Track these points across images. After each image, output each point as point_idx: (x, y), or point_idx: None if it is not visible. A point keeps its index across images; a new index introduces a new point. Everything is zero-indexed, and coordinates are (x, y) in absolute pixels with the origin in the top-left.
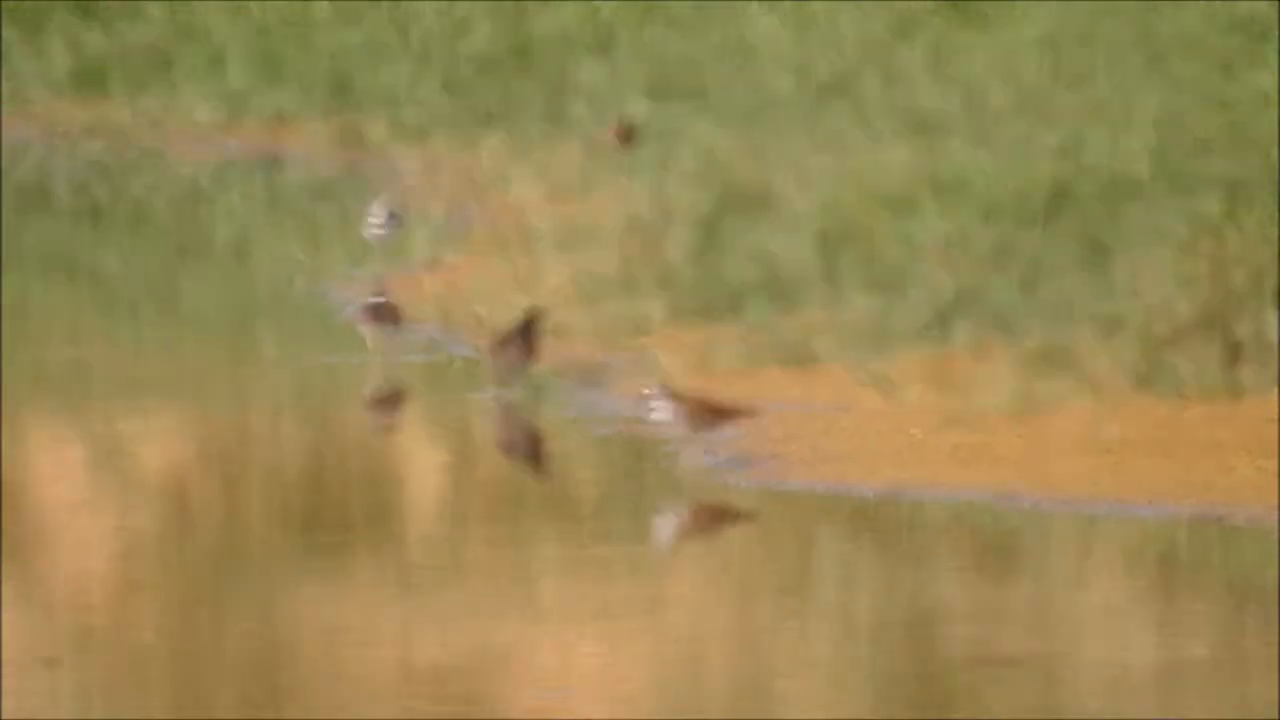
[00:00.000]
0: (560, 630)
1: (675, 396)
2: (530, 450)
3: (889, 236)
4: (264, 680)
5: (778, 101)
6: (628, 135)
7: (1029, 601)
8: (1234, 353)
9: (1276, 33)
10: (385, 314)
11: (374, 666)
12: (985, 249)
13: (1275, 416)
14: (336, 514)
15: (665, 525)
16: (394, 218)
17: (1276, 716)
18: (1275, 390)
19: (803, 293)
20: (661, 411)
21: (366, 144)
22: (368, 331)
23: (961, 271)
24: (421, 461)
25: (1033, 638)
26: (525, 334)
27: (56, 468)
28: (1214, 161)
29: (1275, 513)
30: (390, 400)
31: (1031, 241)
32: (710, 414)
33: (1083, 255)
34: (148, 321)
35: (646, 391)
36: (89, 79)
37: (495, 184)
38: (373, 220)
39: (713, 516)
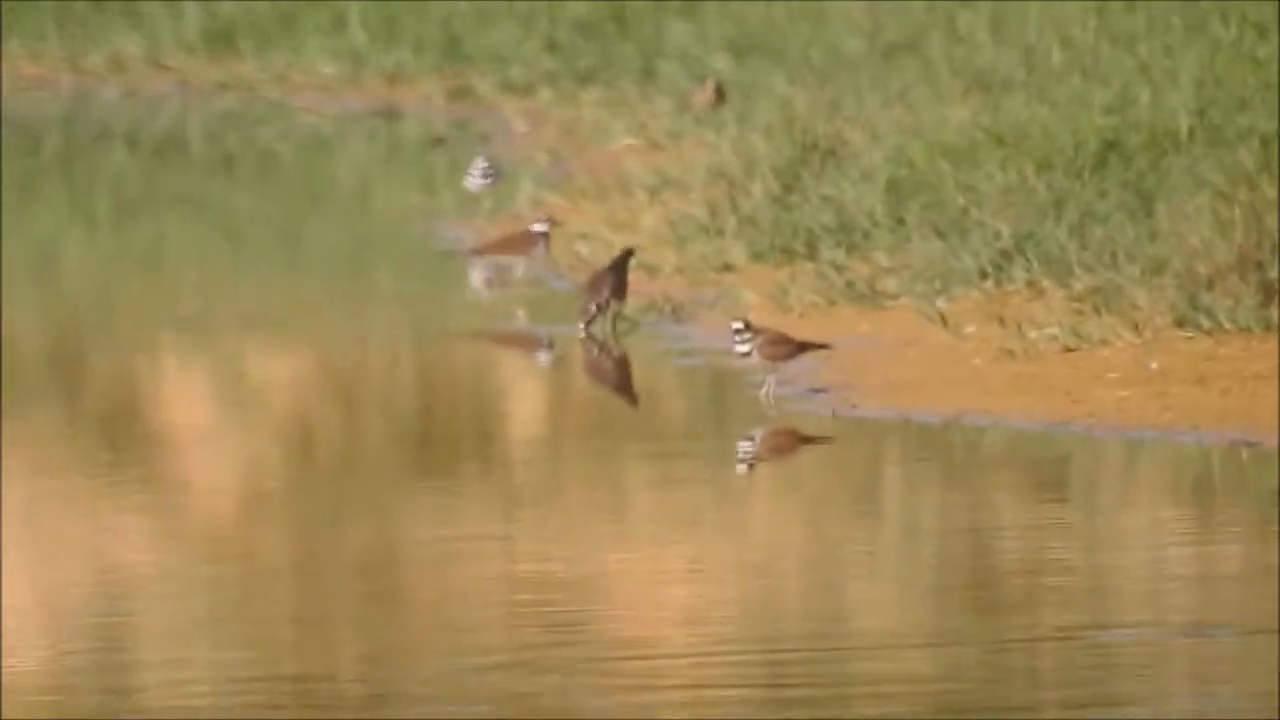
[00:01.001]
0: (649, 546)
1: (756, 330)
2: (621, 379)
3: (952, 186)
4: (378, 592)
5: (850, 60)
6: (719, 96)
7: (1077, 519)
8: (1267, 292)
9: None
10: (510, 246)
11: (479, 580)
12: (1040, 197)
13: None
14: (445, 438)
15: (747, 449)
16: (492, 171)
17: None
18: None
19: (872, 237)
20: (743, 344)
21: (476, 98)
22: (479, 266)
23: (1018, 218)
24: (523, 389)
25: (1080, 551)
26: (617, 271)
27: (186, 395)
28: (1250, 117)
29: None
30: (506, 334)
31: (1082, 190)
32: (787, 347)
33: (1129, 203)
34: (272, 260)
35: (733, 325)
36: (220, 38)
37: (594, 135)
38: (474, 173)
39: (789, 441)
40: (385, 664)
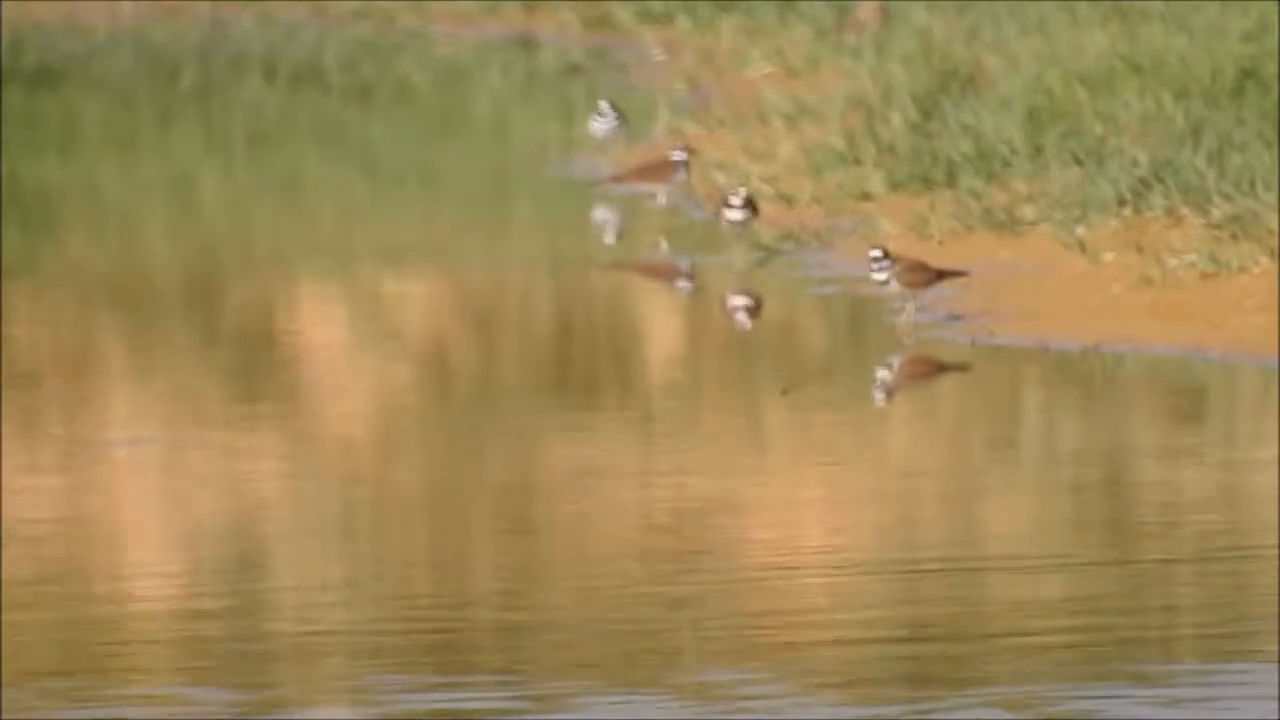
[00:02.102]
0: (787, 474)
1: (893, 258)
2: (755, 307)
3: (1090, 114)
4: (515, 520)
5: None
6: (882, 15)
7: (1215, 446)
8: None
9: None
10: (649, 174)
11: (616, 508)
12: (1178, 125)
13: None
14: (582, 367)
15: (885, 376)
16: (619, 115)
17: None
18: None
19: (1011, 165)
20: (881, 272)
21: (614, 27)
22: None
23: (1156, 146)
24: (660, 319)
25: (1217, 479)
26: (750, 201)
27: (324, 322)
28: None
29: None
30: (646, 265)
31: (1220, 118)
32: (925, 274)
33: (1266, 131)
34: (410, 190)
35: (871, 254)
36: None
37: (731, 63)
38: (600, 117)
39: (928, 369)
40: (521, 589)
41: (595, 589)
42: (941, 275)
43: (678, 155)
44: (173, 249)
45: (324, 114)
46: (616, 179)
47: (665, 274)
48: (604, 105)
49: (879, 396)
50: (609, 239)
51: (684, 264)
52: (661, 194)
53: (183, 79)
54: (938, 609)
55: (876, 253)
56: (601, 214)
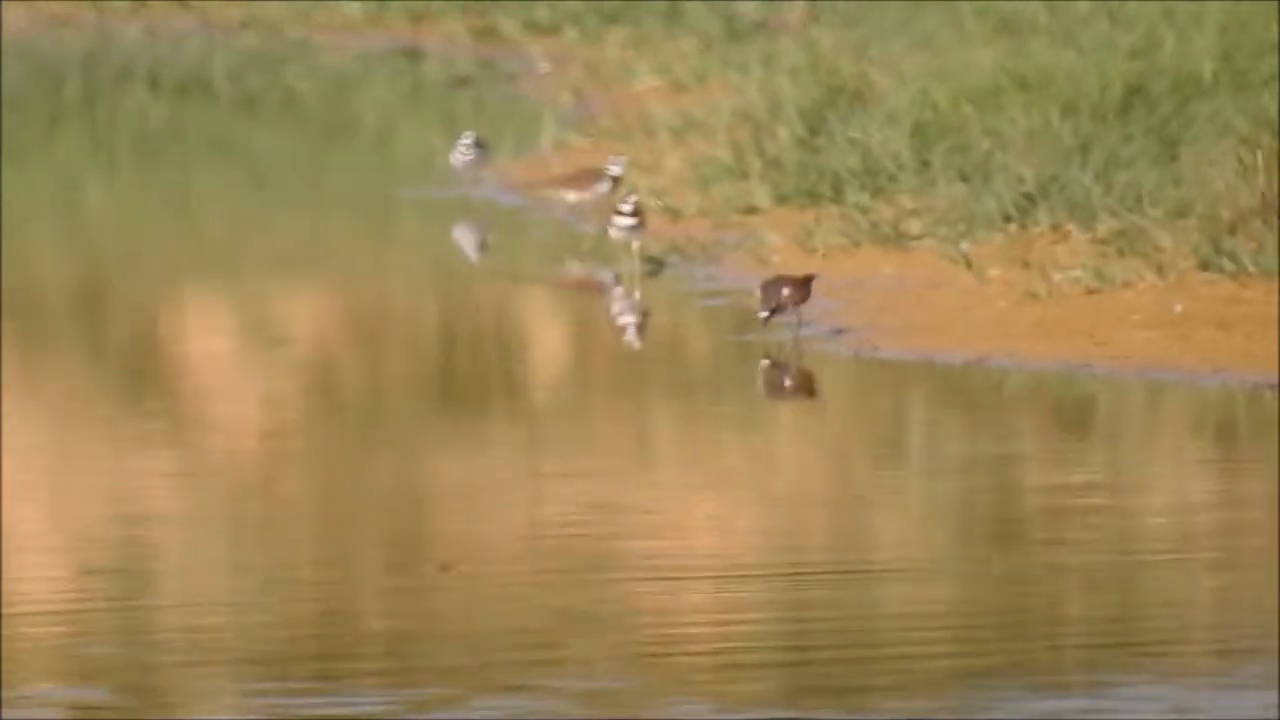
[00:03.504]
0: (674, 484)
1: (774, 285)
2: (641, 320)
3: (977, 129)
4: (400, 535)
5: (876, 2)
6: (813, 15)
7: (1100, 459)
8: None
9: None
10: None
11: (504, 522)
12: (1064, 141)
13: None
14: (470, 379)
15: (769, 387)
16: (480, 147)
17: None
18: None
19: (897, 180)
20: (763, 309)
21: (501, 38)
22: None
23: (1042, 162)
24: (546, 331)
25: (1101, 490)
26: (638, 210)
27: (210, 333)
28: (1273, 61)
29: None
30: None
31: (1106, 135)
32: (794, 290)
33: (1152, 148)
34: (296, 200)
35: (757, 293)
36: None
37: (618, 76)
38: (462, 145)
39: (812, 381)
40: (402, 601)
41: (479, 596)
42: (805, 281)
43: (613, 168)
44: (57, 258)
45: (210, 124)
46: (532, 185)
47: (592, 289)
48: (467, 138)
49: (763, 409)
50: (471, 253)
51: (609, 279)
52: (575, 199)
53: (68, 89)
54: (820, 615)
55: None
56: (469, 227)
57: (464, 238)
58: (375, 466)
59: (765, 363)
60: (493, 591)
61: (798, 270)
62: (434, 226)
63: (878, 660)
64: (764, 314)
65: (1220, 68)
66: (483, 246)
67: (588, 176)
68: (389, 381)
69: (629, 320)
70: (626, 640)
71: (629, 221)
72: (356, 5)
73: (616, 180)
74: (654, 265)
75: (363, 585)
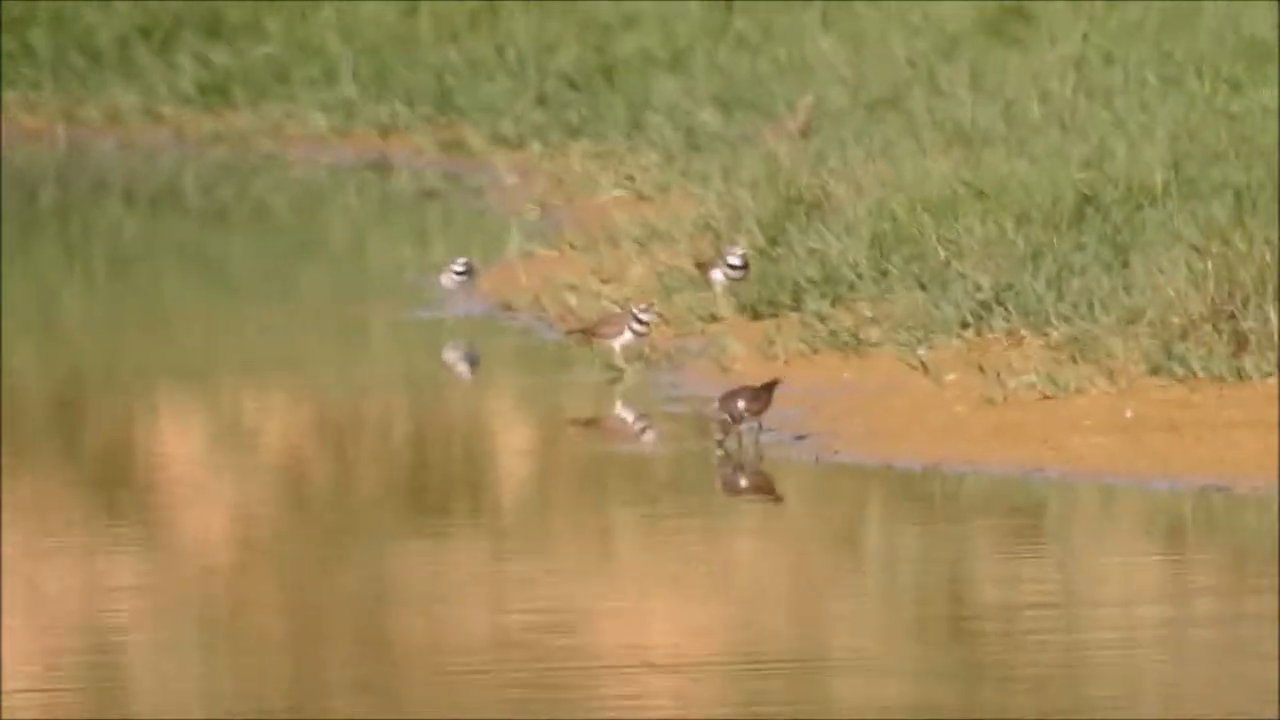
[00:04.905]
0: (638, 588)
1: (732, 401)
2: (609, 427)
3: (933, 238)
4: (370, 636)
5: (834, 114)
6: (807, 128)
7: (1054, 562)
8: (1239, 342)
9: (1277, 54)
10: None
11: (469, 624)
12: (1019, 250)
13: (1275, 398)
14: (437, 485)
15: (731, 492)
16: (470, 269)
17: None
18: (1276, 375)
19: (856, 288)
20: (718, 429)
21: (467, 151)
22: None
23: (997, 270)
24: (514, 437)
25: (1057, 592)
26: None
27: (182, 437)
28: (1223, 171)
29: (1276, 484)
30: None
31: (1060, 243)
32: (754, 402)
33: (1105, 255)
34: (268, 309)
35: (718, 404)
36: (214, 91)
37: (582, 187)
38: (455, 269)
39: (773, 486)
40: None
41: (445, 686)
42: (768, 389)
43: (639, 311)
44: (32, 367)
45: (182, 235)
46: (570, 332)
47: (624, 436)
48: (459, 262)
49: (725, 513)
50: (463, 373)
51: (640, 422)
52: (615, 344)
53: (41, 201)
54: (774, 706)
55: (720, 410)
56: (454, 347)
57: (453, 358)
58: (340, 566)
59: (727, 470)
60: (458, 683)
61: (759, 378)
62: (399, 336)
63: None
64: (719, 436)
65: (1171, 177)
66: (473, 364)
67: (620, 320)
68: (355, 485)
69: (592, 428)
70: None
71: (641, 330)
72: (324, 118)
73: (647, 325)
74: (616, 373)
75: (331, 680)
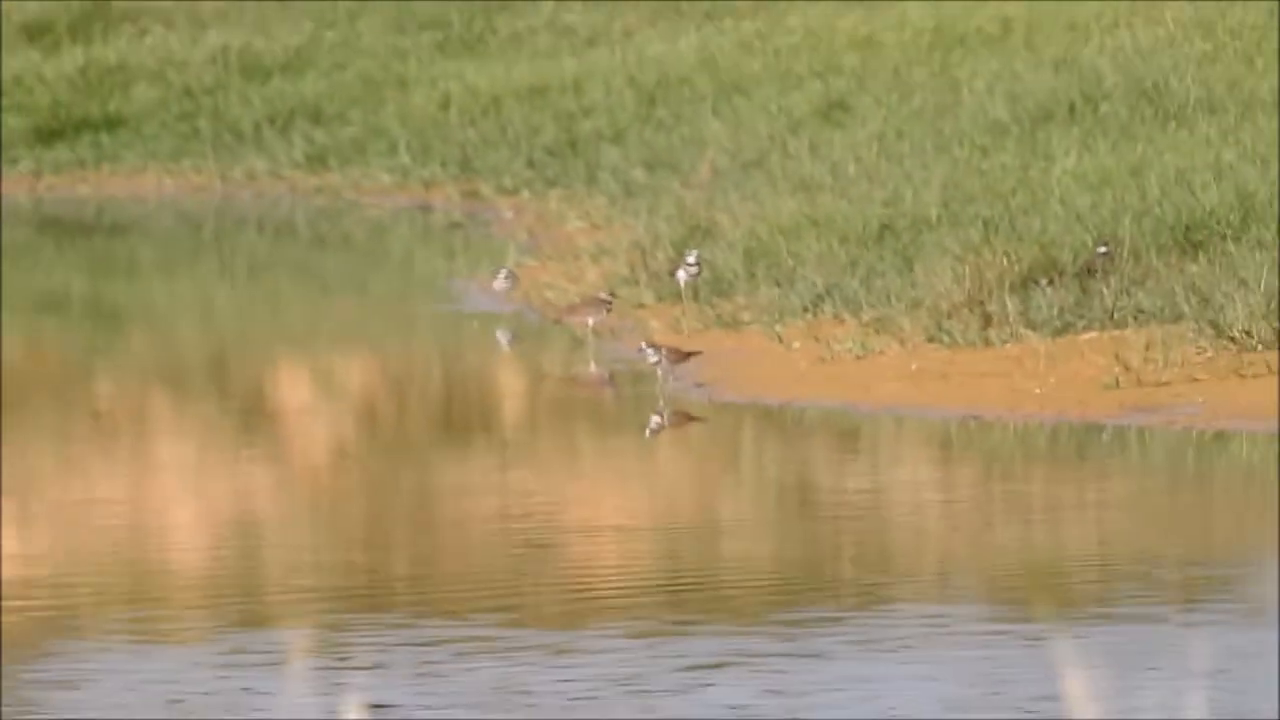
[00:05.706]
0: (593, 483)
1: (656, 346)
2: (578, 377)
3: (785, 252)
4: (418, 519)
5: (721, 171)
6: (713, 175)
7: (866, 464)
8: (986, 320)
9: (1013, 131)
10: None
11: (482, 511)
12: (841, 260)
13: (1013, 358)
14: (462, 417)
15: (654, 423)
16: (512, 276)
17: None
18: (1013, 341)
19: (734, 285)
20: (651, 355)
21: (480, 197)
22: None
23: (827, 273)
24: (514, 384)
25: (869, 491)
26: (588, 307)
27: (292, 387)
28: (976, 208)
29: (1014, 415)
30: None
31: (868, 256)
32: (676, 355)
33: (898, 264)
34: (349, 302)
35: (643, 345)
36: (316, 159)
37: (556, 220)
38: (501, 276)
39: (682, 419)
40: (423, 563)
41: (471, 542)
42: (686, 355)
43: (604, 296)
44: (194, 340)
45: (295, 255)
46: (558, 315)
47: (595, 384)
48: (505, 270)
49: (651, 437)
50: (504, 345)
51: (607, 375)
52: (590, 321)
53: (204, 231)
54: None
55: (647, 346)
56: (502, 331)
57: (502, 338)
58: (400, 473)
59: (659, 404)
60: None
61: (675, 344)
62: (439, 318)
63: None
64: (654, 359)
65: (942, 211)
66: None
67: (593, 303)
68: (407, 419)
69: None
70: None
71: (608, 309)
72: (388, 177)
73: (609, 305)
74: (576, 343)
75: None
